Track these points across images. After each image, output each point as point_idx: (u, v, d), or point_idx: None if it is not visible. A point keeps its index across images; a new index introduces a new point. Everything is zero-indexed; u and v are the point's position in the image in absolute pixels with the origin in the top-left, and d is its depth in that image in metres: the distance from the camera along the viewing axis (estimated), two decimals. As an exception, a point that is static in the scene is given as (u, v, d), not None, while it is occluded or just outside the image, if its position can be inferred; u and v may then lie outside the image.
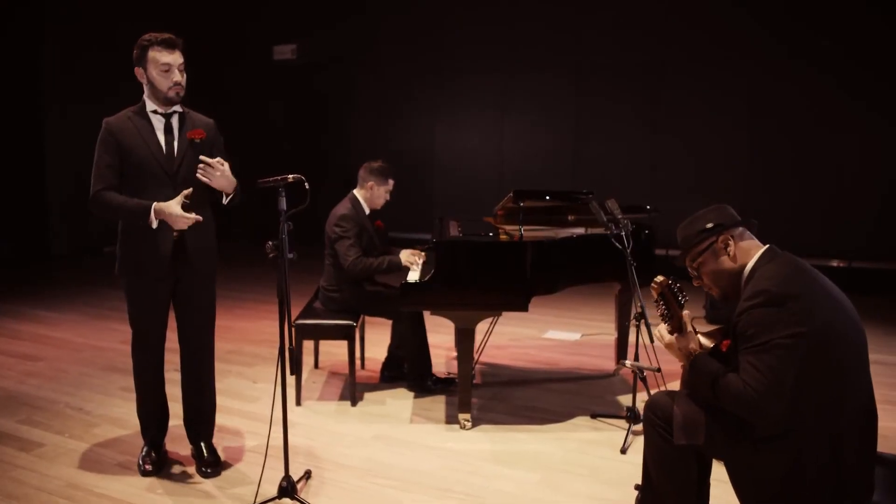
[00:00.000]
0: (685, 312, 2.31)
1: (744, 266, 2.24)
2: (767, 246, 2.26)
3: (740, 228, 2.28)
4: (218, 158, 3.01)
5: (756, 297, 2.08)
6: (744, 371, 2.07)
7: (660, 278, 2.31)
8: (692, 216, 2.36)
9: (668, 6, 8.04)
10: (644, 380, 3.45)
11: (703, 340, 2.36)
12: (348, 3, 9.83)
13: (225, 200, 3.12)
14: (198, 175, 2.97)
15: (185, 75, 3.04)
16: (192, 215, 2.95)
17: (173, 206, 2.93)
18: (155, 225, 2.96)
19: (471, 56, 9.21)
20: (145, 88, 3.04)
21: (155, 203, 2.94)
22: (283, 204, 2.86)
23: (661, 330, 2.35)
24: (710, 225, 2.28)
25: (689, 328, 2.30)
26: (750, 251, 2.25)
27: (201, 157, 2.98)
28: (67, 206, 8.96)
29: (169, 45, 2.98)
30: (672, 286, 2.29)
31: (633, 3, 8.22)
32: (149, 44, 2.97)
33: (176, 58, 2.99)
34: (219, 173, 2.98)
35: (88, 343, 5.42)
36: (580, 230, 4.47)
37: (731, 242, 2.26)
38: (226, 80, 9.97)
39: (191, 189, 2.97)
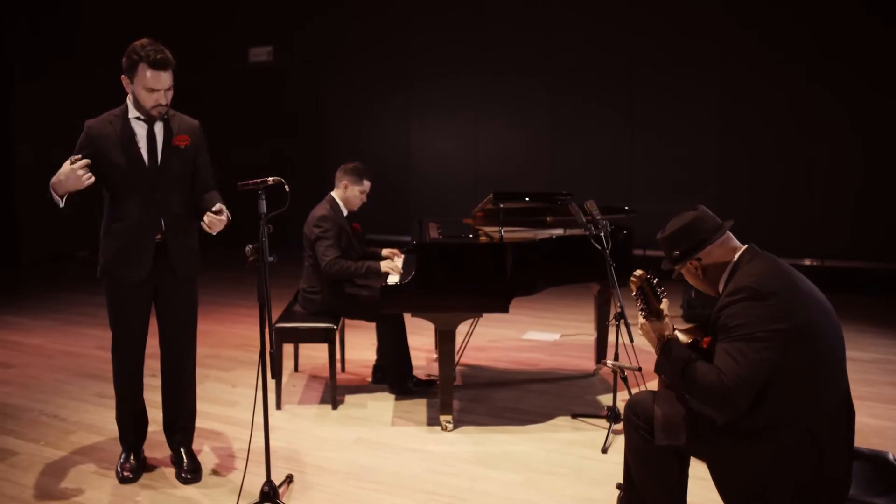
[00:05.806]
0: (664, 303, 2.33)
1: (720, 272, 2.29)
2: (747, 245, 2.29)
3: (716, 239, 2.28)
4: (219, 207, 2.95)
5: (738, 293, 2.13)
6: (719, 359, 2.11)
7: (639, 272, 2.34)
8: (669, 231, 2.36)
9: (641, 6, 8.11)
10: (625, 379, 3.48)
11: (682, 337, 2.39)
12: (320, 5, 9.78)
13: (214, 232, 3.02)
14: (203, 226, 2.94)
15: (171, 93, 2.97)
16: (81, 162, 2.73)
17: (63, 167, 2.72)
18: (63, 204, 2.78)
19: (444, 58, 9.21)
20: (130, 95, 2.99)
21: (52, 180, 2.74)
22: (263, 207, 2.84)
23: (640, 317, 2.38)
24: (676, 253, 2.33)
25: (666, 318, 2.33)
26: (727, 255, 2.29)
27: (207, 213, 2.93)
28: (37, 212, 8.76)
29: (160, 66, 2.88)
30: (651, 280, 2.32)
31: (606, 4, 8.28)
32: (139, 59, 2.86)
33: (165, 80, 2.90)
34: (221, 223, 2.94)
35: (62, 349, 5.33)
36: (559, 231, 4.50)
37: (699, 264, 2.32)
38: (198, 82, 9.85)
39: (87, 161, 2.76)
